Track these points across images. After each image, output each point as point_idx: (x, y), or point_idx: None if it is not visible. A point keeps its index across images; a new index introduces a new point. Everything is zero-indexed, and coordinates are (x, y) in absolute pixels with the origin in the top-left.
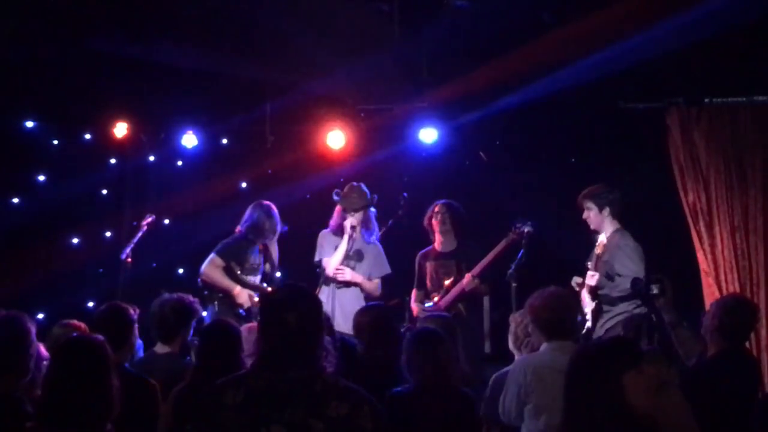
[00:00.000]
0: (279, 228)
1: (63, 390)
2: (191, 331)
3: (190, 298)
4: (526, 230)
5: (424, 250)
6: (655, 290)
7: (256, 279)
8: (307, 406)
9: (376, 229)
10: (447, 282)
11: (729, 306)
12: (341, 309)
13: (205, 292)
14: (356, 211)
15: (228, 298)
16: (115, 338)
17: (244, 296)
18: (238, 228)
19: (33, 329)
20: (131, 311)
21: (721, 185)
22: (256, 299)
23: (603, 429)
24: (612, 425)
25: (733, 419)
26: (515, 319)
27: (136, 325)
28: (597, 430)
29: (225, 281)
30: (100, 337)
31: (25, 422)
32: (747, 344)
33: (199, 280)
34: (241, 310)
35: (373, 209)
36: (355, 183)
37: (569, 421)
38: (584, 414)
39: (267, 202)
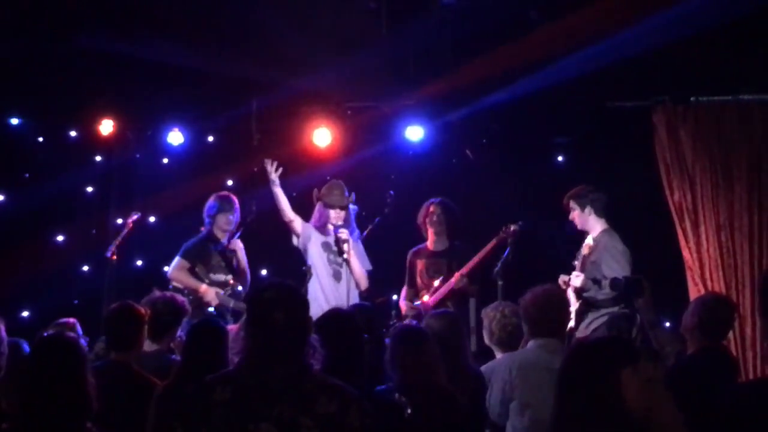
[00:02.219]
0: (234, 222)
1: (38, 389)
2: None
3: (182, 297)
4: (512, 228)
5: (415, 248)
6: (633, 290)
7: (226, 277)
8: (296, 403)
9: (355, 226)
10: (437, 281)
11: (708, 304)
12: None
13: None
14: (342, 208)
15: (196, 299)
16: (125, 338)
17: (210, 294)
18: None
19: (1, 327)
20: (143, 312)
21: (706, 184)
22: (222, 294)
23: (597, 424)
24: (606, 421)
25: (713, 417)
26: (488, 315)
27: (146, 327)
28: (590, 426)
29: (191, 281)
30: (74, 335)
31: (1, 423)
32: (732, 342)
33: (170, 285)
34: (210, 309)
35: (352, 206)
36: (334, 180)
37: (561, 415)
38: (578, 409)
39: (226, 193)
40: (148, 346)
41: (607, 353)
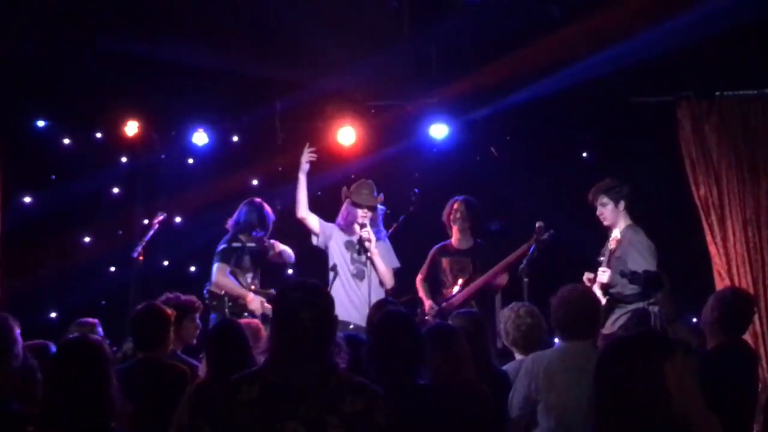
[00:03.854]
0: (270, 225)
1: (62, 392)
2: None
3: (188, 297)
4: (537, 225)
5: (440, 245)
6: (653, 285)
7: (252, 277)
8: (322, 401)
9: (382, 227)
10: (461, 280)
11: (728, 298)
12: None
13: (214, 302)
14: (370, 209)
15: (238, 306)
16: (151, 338)
17: (256, 303)
18: (229, 223)
19: (17, 329)
20: (169, 312)
21: (732, 178)
22: (267, 305)
23: (644, 421)
24: (653, 417)
25: (733, 411)
26: (504, 315)
27: (173, 327)
28: (638, 423)
29: (237, 288)
30: (98, 337)
31: (23, 424)
32: (759, 338)
33: (205, 291)
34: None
35: (381, 207)
36: (364, 179)
37: (603, 415)
38: (622, 406)
39: (258, 200)
40: None
41: (648, 347)
